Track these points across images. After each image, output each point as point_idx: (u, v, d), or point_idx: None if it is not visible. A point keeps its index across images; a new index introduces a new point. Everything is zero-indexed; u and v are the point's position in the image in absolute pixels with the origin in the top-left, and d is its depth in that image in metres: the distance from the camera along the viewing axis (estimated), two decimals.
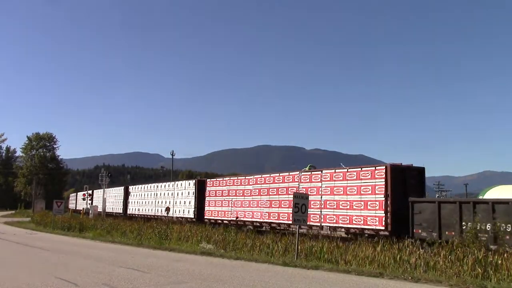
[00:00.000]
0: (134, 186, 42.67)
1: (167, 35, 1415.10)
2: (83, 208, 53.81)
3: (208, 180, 29.13)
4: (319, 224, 19.76)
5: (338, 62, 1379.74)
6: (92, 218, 39.59)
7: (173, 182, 33.93)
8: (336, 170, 19.64)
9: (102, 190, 50.96)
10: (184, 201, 30.70)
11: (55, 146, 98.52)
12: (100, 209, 47.88)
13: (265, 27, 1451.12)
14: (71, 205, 66.91)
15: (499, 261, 11.05)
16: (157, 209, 34.88)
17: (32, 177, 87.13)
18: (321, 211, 19.86)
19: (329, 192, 19.62)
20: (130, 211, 40.80)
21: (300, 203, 14.54)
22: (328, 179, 19.77)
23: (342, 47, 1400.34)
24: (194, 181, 30.72)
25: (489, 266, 10.98)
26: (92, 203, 52.65)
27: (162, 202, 34.09)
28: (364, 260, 13.18)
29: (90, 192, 57.54)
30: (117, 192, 46.44)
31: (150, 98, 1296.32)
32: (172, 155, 68.99)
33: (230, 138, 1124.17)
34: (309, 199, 19.54)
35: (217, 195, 27.35)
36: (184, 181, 32.94)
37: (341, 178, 19.19)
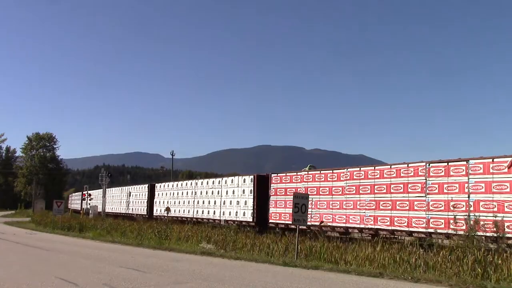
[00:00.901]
0: (163, 184, 37.12)
1: (167, 35, 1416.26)
2: (83, 208, 53.89)
3: (273, 175, 23.87)
4: (466, 233, 14.51)
5: (338, 61, 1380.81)
6: (92, 218, 39.64)
7: (220, 179, 29.09)
8: (495, 160, 14.78)
9: (116, 188, 49.01)
10: (237, 201, 25.45)
11: (55, 146, 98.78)
12: (112, 209, 46.21)
13: (266, 27, 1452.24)
14: (76, 205, 66.16)
15: (499, 261, 11.06)
16: (196, 211, 29.80)
17: (32, 177, 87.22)
18: (468, 215, 14.94)
19: (482, 189, 14.93)
20: (156, 212, 35.48)
21: (300, 203, 14.54)
22: (481, 171, 15.06)
23: (342, 47, 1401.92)
24: (251, 176, 25.28)
25: (489, 266, 10.99)
26: (103, 202, 51.37)
27: (204, 202, 29.00)
28: (364, 260, 13.18)
29: (90, 192, 57.66)
30: (139, 191, 40.71)
31: (150, 98, 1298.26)
32: (172, 155, 69.00)
33: (230, 138, 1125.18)
34: (446, 198, 15.75)
35: (288, 193, 21.88)
36: (237, 177, 27.42)
37: (506, 170, 14.43)
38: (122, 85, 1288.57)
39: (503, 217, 14.03)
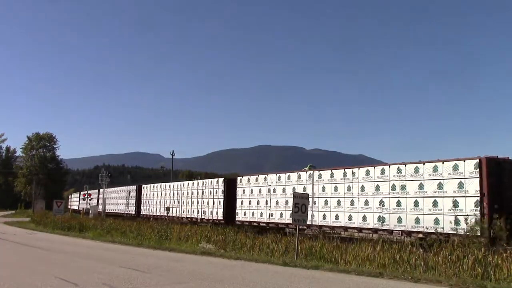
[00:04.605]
0: (280, 174, 23.82)
1: (168, 34, 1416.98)
2: (83, 208, 53.91)
3: None
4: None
5: (337, 62, 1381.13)
6: (92, 218, 39.65)
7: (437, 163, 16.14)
8: None
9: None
10: None
11: (55, 146, 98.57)
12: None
13: (265, 27, 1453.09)
14: (82, 205, 65.06)
15: (499, 261, 11.07)
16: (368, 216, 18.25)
17: (32, 177, 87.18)
18: None
19: None
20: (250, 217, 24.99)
21: (300, 203, 14.54)
22: None
23: (341, 47, 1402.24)
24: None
25: (489, 266, 11.00)
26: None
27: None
28: (364, 260, 13.19)
29: (90, 192, 57.71)
30: (213, 186, 29.15)
31: (150, 98, 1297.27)
32: (172, 155, 69.03)
33: (230, 138, 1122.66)
34: None
35: None
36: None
37: None
38: (122, 85, 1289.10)
39: None
